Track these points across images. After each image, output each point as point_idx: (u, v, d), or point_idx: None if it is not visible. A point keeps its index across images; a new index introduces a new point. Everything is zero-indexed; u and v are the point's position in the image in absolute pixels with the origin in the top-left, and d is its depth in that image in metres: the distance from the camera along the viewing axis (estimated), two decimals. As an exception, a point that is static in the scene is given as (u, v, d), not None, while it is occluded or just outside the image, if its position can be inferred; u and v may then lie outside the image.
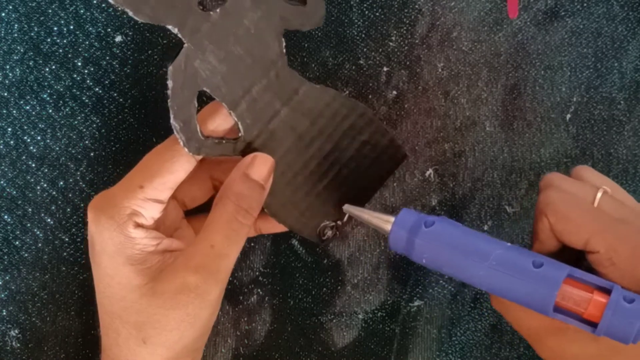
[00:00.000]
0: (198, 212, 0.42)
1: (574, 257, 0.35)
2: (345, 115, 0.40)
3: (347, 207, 0.39)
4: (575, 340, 0.34)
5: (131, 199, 0.36)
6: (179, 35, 0.36)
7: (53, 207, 0.43)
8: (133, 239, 0.36)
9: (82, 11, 0.43)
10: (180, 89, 0.36)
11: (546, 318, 0.33)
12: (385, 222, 0.36)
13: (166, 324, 0.35)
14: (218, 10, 0.36)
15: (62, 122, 0.43)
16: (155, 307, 0.35)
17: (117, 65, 0.43)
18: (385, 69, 0.45)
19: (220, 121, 0.38)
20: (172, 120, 0.36)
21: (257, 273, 0.45)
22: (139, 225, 0.36)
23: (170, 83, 0.36)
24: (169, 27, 0.35)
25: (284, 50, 0.38)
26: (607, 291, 0.32)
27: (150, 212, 0.37)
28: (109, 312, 0.37)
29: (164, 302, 0.35)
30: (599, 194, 0.35)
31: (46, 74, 0.43)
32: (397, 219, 0.36)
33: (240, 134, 0.38)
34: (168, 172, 0.37)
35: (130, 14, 0.34)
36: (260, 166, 0.38)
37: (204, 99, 0.39)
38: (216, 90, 0.37)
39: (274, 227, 0.41)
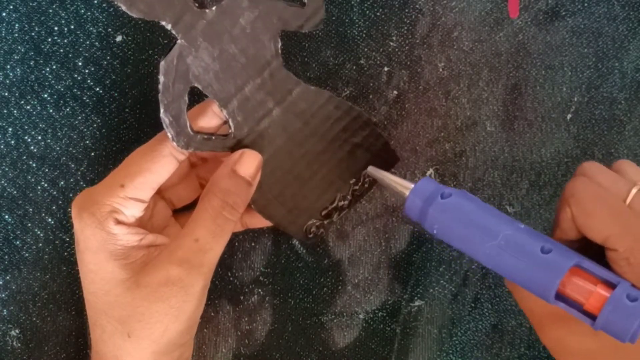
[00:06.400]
0: (186, 210, 0.42)
1: (597, 248, 0.34)
2: (338, 118, 0.40)
3: (371, 169, 0.40)
4: (576, 332, 0.34)
5: (112, 196, 0.36)
6: (173, 32, 0.36)
7: (54, 207, 0.44)
8: (114, 235, 0.36)
9: (82, 11, 0.43)
10: (171, 84, 0.36)
11: (550, 304, 0.33)
12: (404, 188, 0.36)
13: (150, 317, 0.36)
14: (214, 8, 0.36)
15: (63, 122, 0.43)
16: (139, 300, 0.36)
17: (117, 65, 0.43)
18: (386, 68, 0.45)
19: (211, 117, 0.38)
20: (161, 115, 0.36)
21: (257, 273, 0.45)
22: (119, 222, 0.36)
23: (161, 78, 0.36)
24: (163, 23, 0.35)
25: (280, 51, 0.38)
26: (614, 286, 0.32)
27: (131, 211, 0.37)
28: (94, 308, 0.37)
29: (148, 295, 0.35)
30: (634, 190, 0.34)
31: (47, 74, 0.43)
32: (415, 187, 0.36)
33: (230, 131, 0.38)
34: (149, 172, 0.37)
35: (124, 8, 0.34)
36: (248, 163, 0.38)
37: (196, 98, 0.39)
38: (208, 87, 0.37)
39: (261, 222, 0.42)
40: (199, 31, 0.36)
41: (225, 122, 0.38)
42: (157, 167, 0.37)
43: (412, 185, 0.36)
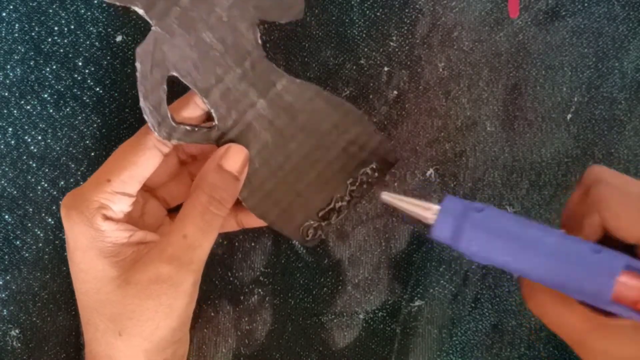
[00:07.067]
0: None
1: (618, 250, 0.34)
2: (328, 113, 0.39)
3: (384, 196, 0.36)
4: (626, 340, 0.32)
5: (99, 192, 0.36)
6: (146, 18, 0.35)
7: (54, 207, 0.44)
8: (103, 231, 0.36)
9: (82, 11, 0.43)
10: (149, 72, 0.36)
11: (590, 315, 0.32)
12: (427, 210, 0.34)
13: (141, 315, 0.36)
14: None
15: (63, 121, 0.43)
16: (129, 297, 0.36)
17: (117, 65, 0.43)
18: (386, 68, 0.45)
19: (194, 108, 0.38)
20: (141, 103, 0.36)
21: (257, 273, 0.45)
22: (107, 218, 0.36)
23: (138, 65, 0.36)
24: (135, 8, 0.35)
25: (260, 41, 0.37)
26: None
27: (119, 206, 0.37)
28: (86, 307, 0.37)
29: (138, 293, 0.36)
30: None
31: (47, 74, 0.43)
32: (444, 206, 0.33)
33: (214, 123, 0.38)
34: (135, 165, 0.37)
35: None
36: (234, 157, 0.38)
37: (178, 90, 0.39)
38: (187, 75, 0.37)
39: (257, 221, 0.41)
40: (174, 18, 0.36)
41: (209, 115, 0.38)
42: (142, 160, 0.37)
43: (436, 206, 0.34)
